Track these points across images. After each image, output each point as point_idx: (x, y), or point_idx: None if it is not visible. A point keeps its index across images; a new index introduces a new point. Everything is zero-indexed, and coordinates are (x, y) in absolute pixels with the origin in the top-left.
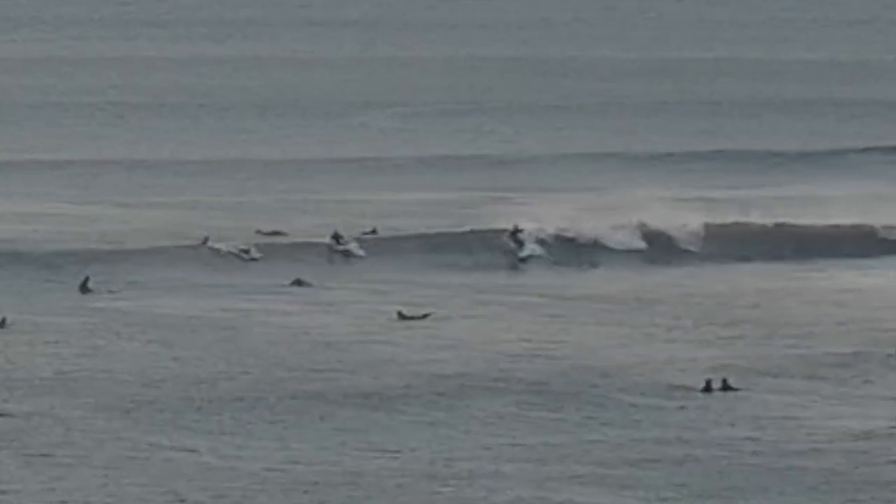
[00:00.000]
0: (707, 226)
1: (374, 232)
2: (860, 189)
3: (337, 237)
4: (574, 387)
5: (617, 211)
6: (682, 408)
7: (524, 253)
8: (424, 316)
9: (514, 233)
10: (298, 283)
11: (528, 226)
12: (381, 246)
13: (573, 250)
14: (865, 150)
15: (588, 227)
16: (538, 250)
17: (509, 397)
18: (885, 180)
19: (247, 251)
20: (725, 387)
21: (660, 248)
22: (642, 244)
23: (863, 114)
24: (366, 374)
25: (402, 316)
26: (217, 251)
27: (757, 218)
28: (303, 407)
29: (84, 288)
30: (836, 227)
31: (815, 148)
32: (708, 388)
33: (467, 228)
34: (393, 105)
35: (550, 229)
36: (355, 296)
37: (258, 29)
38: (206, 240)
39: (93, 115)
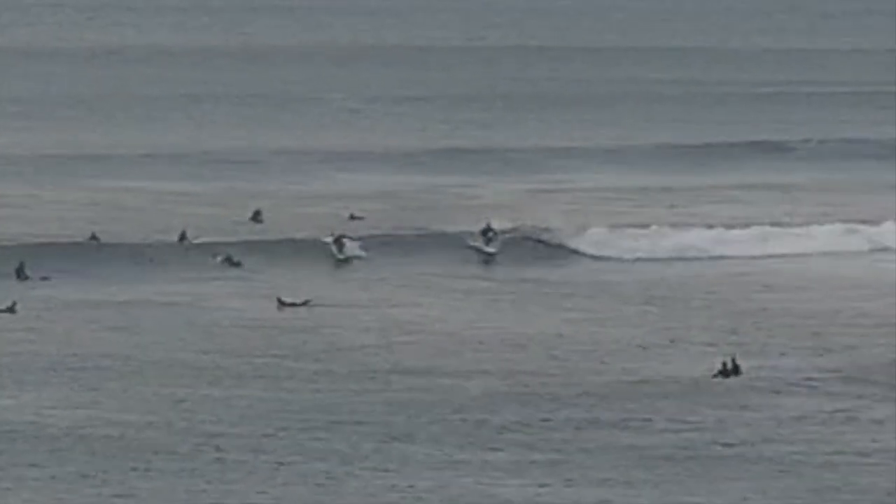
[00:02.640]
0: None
1: (353, 217)
2: None
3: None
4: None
5: (579, 203)
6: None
7: (489, 249)
8: (305, 303)
9: (485, 231)
10: (229, 260)
11: (496, 223)
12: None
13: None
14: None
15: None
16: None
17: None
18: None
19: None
20: (735, 367)
21: (623, 240)
22: (604, 237)
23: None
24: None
25: (281, 302)
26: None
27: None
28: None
29: (20, 274)
30: None
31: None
32: (724, 372)
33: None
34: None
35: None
36: (277, 279)
37: (219, 17)
38: (183, 234)
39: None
